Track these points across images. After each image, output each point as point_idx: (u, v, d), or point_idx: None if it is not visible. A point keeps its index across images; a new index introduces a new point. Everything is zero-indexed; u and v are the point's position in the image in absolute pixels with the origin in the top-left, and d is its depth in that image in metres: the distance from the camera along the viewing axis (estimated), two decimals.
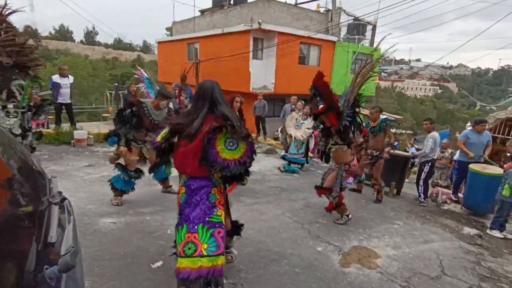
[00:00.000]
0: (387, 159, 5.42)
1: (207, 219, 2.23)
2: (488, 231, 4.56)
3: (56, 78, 7.78)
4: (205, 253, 2.15)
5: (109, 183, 4.15)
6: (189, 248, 2.16)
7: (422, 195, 5.65)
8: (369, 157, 5.33)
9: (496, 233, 4.45)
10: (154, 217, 3.88)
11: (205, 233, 2.19)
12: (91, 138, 7.64)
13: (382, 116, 5.45)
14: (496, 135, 7.77)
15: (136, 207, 4.11)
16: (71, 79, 8.11)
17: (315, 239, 3.74)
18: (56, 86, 7.80)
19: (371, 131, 5.24)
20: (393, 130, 13.64)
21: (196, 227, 2.21)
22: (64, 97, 7.96)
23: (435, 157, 5.87)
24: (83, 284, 1.57)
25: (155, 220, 3.80)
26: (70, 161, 5.98)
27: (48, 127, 8.28)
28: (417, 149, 7.58)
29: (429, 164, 5.66)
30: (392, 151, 5.98)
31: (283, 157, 7.04)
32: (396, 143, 10.47)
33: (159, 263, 2.87)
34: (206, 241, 2.18)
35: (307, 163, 7.10)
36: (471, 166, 5.31)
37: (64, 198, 1.46)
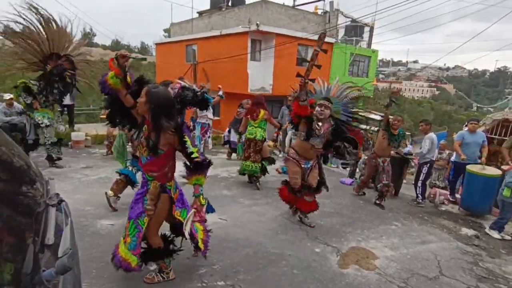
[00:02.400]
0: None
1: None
2: (487, 230, 4.56)
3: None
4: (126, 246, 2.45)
5: (120, 175, 3.97)
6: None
7: (420, 196, 5.66)
8: (382, 165, 5.27)
9: (494, 234, 4.45)
10: None
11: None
12: (88, 140, 7.62)
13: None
14: (493, 136, 7.79)
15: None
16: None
17: (313, 240, 3.75)
18: None
19: (391, 138, 5.18)
20: None
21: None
22: (66, 99, 7.94)
23: (433, 158, 5.87)
24: (80, 286, 1.56)
25: None
26: (67, 163, 5.96)
27: None
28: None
29: (428, 165, 5.67)
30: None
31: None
32: None
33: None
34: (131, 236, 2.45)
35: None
36: (468, 167, 5.33)
37: (62, 200, 1.45)
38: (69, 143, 7.29)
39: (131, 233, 2.45)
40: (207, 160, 2.42)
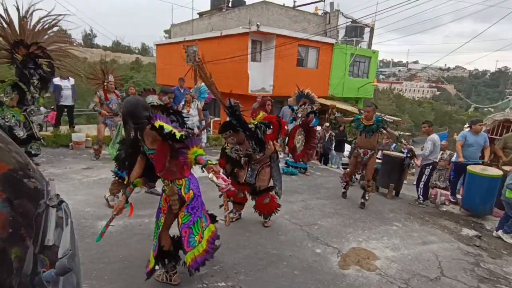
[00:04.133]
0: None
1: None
2: (500, 234, 4.41)
3: (57, 80, 7.77)
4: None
5: (113, 173, 4.07)
6: None
7: (421, 197, 5.65)
8: (362, 156, 5.15)
9: (508, 238, 4.31)
10: (151, 219, 3.83)
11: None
12: (89, 141, 7.61)
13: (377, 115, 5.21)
14: (493, 136, 7.78)
15: (134, 210, 4.09)
16: (71, 81, 8.10)
17: (314, 241, 3.74)
18: (57, 88, 7.81)
19: (364, 130, 5.05)
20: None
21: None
22: (66, 99, 7.95)
23: (436, 160, 5.82)
24: (81, 287, 1.56)
25: (152, 222, 3.76)
26: (68, 164, 5.96)
27: (46, 130, 8.28)
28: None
29: (430, 167, 5.64)
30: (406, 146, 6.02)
31: (286, 163, 7.02)
32: (393, 145, 10.47)
33: (157, 266, 2.86)
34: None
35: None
36: (469, 167, 5.31)
37: (62, 201, 1.45)
38: (70, 144, 7.29)
39: (154, 235, 2.58)
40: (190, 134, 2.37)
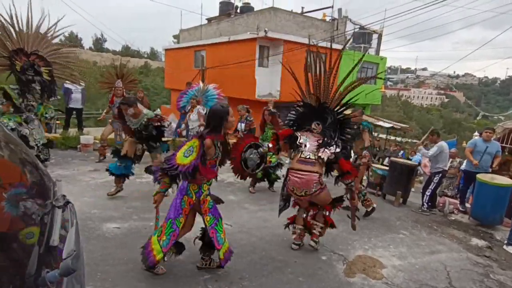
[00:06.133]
0: (366, 164, 5.03)
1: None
2: (504, 247, 4.33)
3: (67, 83, 7.92)
4: None
5: (107, 170, 4.57)
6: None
7: (425, 204, 5.56)
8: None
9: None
10: None
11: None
12: (97, 143, 7.69)
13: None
14: (504, 145, 7.65)
15: (140, 213, 4.11)
16: (82, 84, 8.23)
17: (319, 248, 3.70)
18: (67, 92, 7.94)
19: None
20: (398, 139, 13.56)
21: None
22: (75, 102, 8.07)
23: (446, 168, 5.73)
24: None
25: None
26: (76, 166, 6.02)
27: (55, 132, 8.40)
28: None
29: (440, 175, 5.56)
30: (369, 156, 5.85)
31: None
32: (401, 151, 10.35)
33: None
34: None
35: None
36: (479, 176, 5.22)
37: (68, 202, 1.46)
38: (78, 146, 7.38)
39: (166, 232, 2.66)
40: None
